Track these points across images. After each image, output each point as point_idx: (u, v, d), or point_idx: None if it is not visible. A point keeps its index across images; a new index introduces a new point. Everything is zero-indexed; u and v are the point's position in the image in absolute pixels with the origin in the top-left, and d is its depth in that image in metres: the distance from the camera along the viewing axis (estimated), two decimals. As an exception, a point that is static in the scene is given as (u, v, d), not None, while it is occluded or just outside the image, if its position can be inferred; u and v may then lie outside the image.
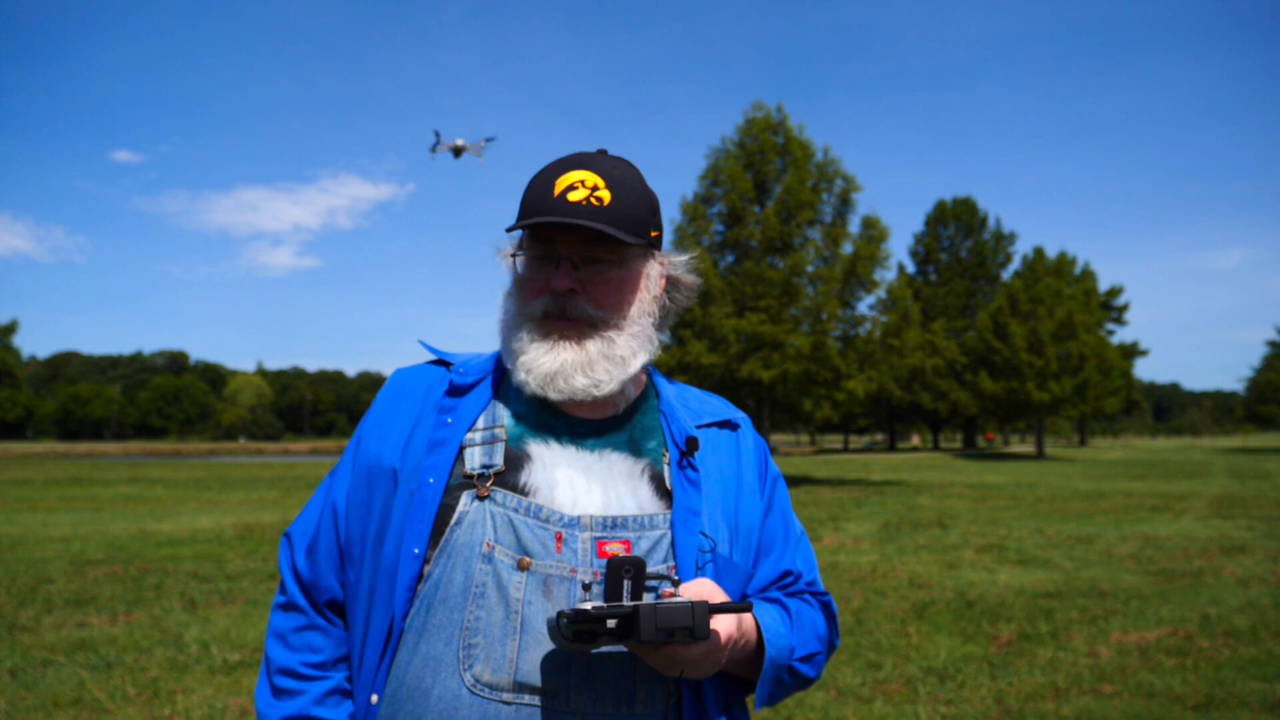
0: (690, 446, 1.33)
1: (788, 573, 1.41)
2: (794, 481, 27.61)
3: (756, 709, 1.30)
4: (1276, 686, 5.32)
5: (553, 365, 1.29)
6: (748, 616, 1.24)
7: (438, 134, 43.35)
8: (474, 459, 1.28)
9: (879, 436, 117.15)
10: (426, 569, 1.23)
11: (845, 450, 78.46)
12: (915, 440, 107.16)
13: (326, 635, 1.33)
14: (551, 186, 1.30)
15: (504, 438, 1.31)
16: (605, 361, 1.31)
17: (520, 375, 1.31)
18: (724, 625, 1.17)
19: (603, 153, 1.38)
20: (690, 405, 1.44)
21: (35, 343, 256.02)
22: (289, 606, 1.35)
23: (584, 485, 1.28)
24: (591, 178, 1.30)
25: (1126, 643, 6.46)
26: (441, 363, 1.44)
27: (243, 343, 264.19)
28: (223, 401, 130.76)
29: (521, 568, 1.21)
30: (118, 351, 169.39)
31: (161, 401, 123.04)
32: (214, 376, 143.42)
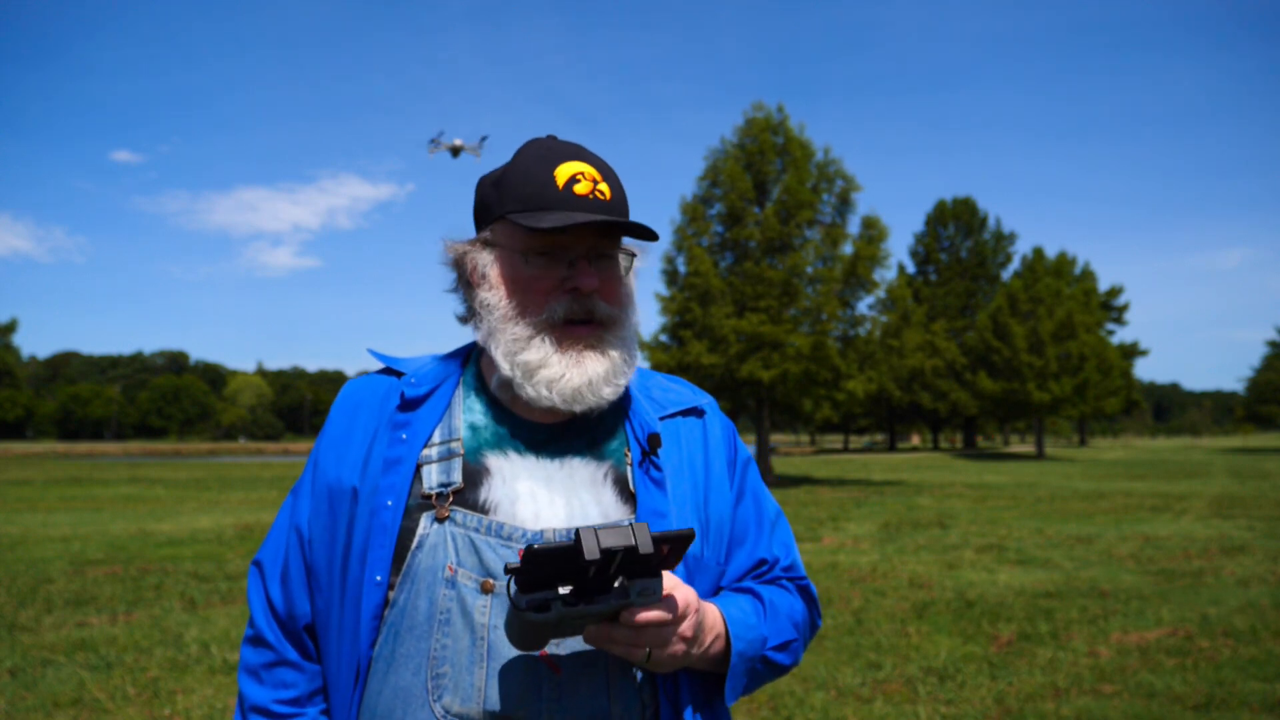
0: (652, 444, 1.27)
1: (762, 561, 1.36)
2: (794, 481, 27.61)
3: (728, 703, 1.26)
4: (1276, 686, 5.32)
5: (581, 379, 1.21)
6: (714, 611, 1.21)
7: (436, 138, 43.47)
8: (431, 477, 1.22)
9: (879, 436, 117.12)
10: (392, 595, 1.19)
11: (845, 450, 78.43)
12: (915, 440, 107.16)
13: (299, 670, 1.26)
14: (552, 179, 1.22)
15: (461, 452, 1.24)
16: (624, 363, 1.26)
17: (537, 391, 1.22)
18: (680, 591, 1.11)
19: (554, 138, 1.32)
20: (654, 395, 1.38)
21: (35, 343, 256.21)
22: (258, 641, 1.28)
23: (546, 497, 1.22)
24: (589, 170, 1.24)
25: (1126, 643, 6.46)
26: (392, 371, 1.36)
27: (243, 343, 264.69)
28: (223, 401, 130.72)
29: (485, 591, 1.16)
30: (118, 351, 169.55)
31: (161, 401, 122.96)
32: (214, 376, 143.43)
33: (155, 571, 9.72)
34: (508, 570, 1.01)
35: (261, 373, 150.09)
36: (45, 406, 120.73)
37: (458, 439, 1.26)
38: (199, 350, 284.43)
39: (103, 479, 29.80)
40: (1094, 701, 5.14)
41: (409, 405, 1.28)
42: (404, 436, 1.25)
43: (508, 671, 1.14)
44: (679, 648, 1.12)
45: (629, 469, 1.28)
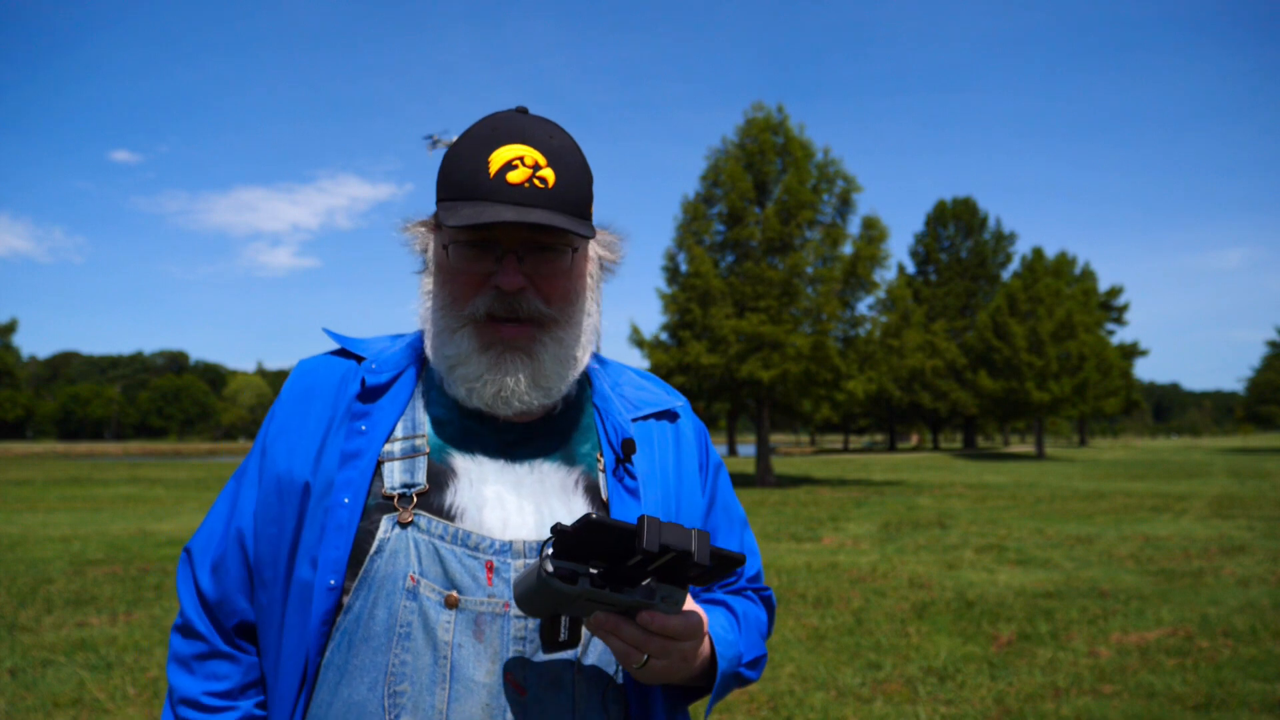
0: (626, 450, 1.20)
1: None
2: (794, 481, 27.61)
3: (705, 717, 1.24)
4: (1276, 686, 5.32)
5: (499, 383, 1.14)
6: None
7: (435, 136, 43.49)
8: (394, 476, 1.13)
9: (879, 436, 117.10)
10: (345, 600, 1.10)
11: (845, 450, 78.38)
12: (915, 440, 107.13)
13: (233, 661, 1.18)
14: (485, 164, 1.12)
15: (426, 450, 1.16)
16: (558, 366, 1.17)
17: (458, 389, 1.17)
18: (696, 613, 1.06)
19: (523, 111, 1.20)
20: (627, 394, 1.30)
21: (35, 343, 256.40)
22: (188, 631, 1.20)
23: (514, 504, 1.14)
24: (531, 153, 1.12)
25: (1126, 643, 6.46)
26: (348, 354, 1.26)
27: (243, 343, 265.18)
28: (223, 401, 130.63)
29: (450, 605, 1.08)
30: (118, 351, 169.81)
31: (161, 401, 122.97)
32: (214, 376, 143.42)
33: (155, 571, 9.72)
34: (554, 530, 0.95)
35: (261, 373, 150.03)
36: (45, 406, 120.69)
37: (422, 435, 1.18)
38: (199, 350, 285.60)
39: (103, 479, 29.78)
40: (1094, 701, 5.14)
41: (370, 394, 1.19)
42: (363, 428, 1.16)
43: (471, 694, 1.07)
44: (676, 664, 1.07)
45: (601, 475, 1.21)
